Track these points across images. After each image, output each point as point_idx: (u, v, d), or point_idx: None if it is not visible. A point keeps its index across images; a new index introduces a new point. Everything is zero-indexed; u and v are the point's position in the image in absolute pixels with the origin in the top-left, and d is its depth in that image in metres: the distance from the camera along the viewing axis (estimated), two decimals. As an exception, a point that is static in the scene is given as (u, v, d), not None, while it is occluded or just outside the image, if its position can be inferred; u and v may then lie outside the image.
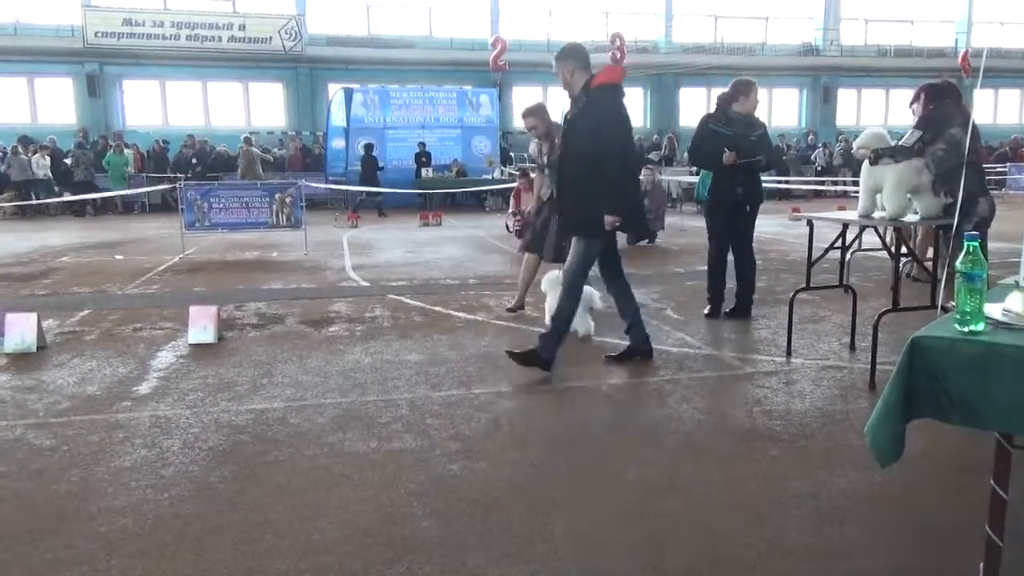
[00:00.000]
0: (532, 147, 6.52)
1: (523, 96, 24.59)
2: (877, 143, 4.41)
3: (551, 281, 5.43)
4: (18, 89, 21.59)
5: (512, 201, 11.44)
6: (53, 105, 21.64)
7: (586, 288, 5.22)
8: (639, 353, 4.84)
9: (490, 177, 19.26)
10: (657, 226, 11.43)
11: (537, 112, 6.02)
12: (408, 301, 6.94)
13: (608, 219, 4.40)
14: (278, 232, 10.88)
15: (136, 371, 4.72)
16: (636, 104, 25.59)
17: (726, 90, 5.98)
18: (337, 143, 19.91)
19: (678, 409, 3.96)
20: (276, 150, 21.16)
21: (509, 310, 6.38)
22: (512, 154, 21.72)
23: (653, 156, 20.06)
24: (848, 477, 3.11)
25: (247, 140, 17.55)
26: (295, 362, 4.90)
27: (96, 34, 20.36)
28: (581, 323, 5.40)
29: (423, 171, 18.83)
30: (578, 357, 4.99)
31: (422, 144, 19.12)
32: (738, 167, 5.72)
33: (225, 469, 3.25)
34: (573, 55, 4.52)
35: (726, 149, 5.69)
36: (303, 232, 10.55)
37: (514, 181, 12.82)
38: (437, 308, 6.59)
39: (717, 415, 3.91)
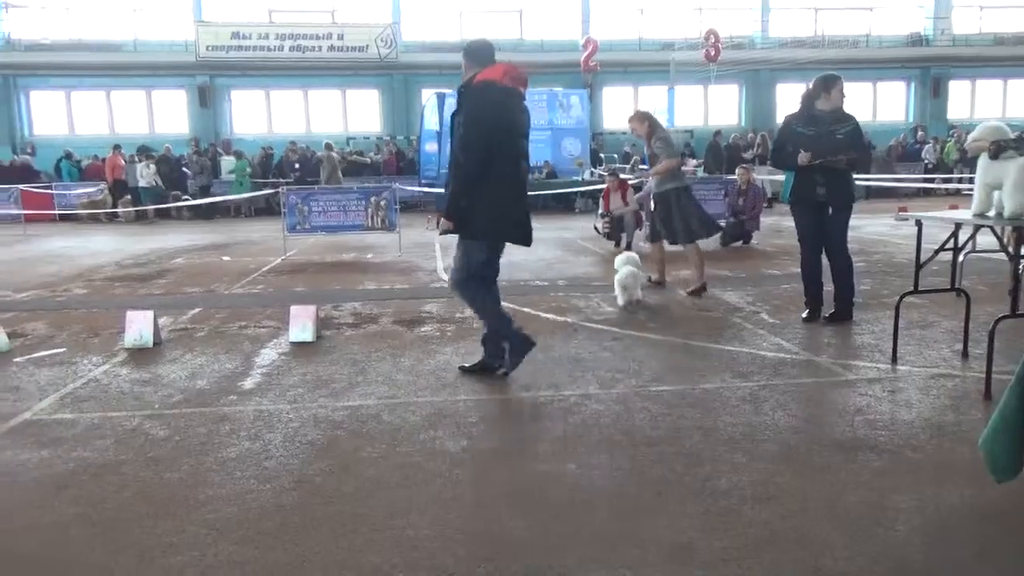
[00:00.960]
0: (646, 148, 7.53)
1: (614, 96, 24.43)
2: (995, 136, 4.14)
3: (622, 259, 6.70)
4: (137, 102, 23.12)
5: (602, 202, 11.37)
6: (168, 116, 23.07)
7: (630, 270, 6.44)
8: (489, 368, 4.58)
9: (579, 179, 19.21)
10: (752, 227, 11.11)
11: (634, 117, 7.13)
12: (498, 302, 7.00)
13: (442, 220, 4.31)
14: (373, 234, 11.21)
15: (241, 367, 4.97)
16: (731, 101, 24.96)
17: (809, 87, 5.78)
18: (430, 147, 20.30)
19: (773, 416, 3.84)
20: (372, 154, 21.79)
21: (655, 281, 7.45)
22: (602, 155, 21.59)
23: (748, 155, 19.50)
24: (959, 492, 2.93)
25: (328, 146, 18.16)
26: (389, 361, 5.04)
27: (207, 48, 21.56)
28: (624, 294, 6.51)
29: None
30: (668, 361, 4.92)
31: (512, 146, 19.26)
32: (818, 167, 5.52)
33: (323, 463, 3.37)
34: (466, 51, 4.41)
35: (801, 150, 5.51)
36: (397, 234, 10.83)
37: (603, 183, 12.74)
38: (526, 309, 6.62)
39: (815, 423, 3.76)
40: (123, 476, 3.28)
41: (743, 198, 11.09)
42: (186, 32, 21.97)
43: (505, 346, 4.50)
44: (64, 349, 5.50)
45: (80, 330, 6.12)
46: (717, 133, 20.90)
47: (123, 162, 18.46)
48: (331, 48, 21.97)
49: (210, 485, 3.15)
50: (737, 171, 11.73)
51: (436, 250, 11.23)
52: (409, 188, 16.53)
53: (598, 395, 4.24)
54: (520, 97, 4.36)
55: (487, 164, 4.16)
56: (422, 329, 5.99)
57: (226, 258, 10.72)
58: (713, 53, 20.71)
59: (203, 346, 5.54)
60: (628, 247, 10.74)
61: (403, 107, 23.42)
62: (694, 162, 20.68)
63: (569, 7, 23.87)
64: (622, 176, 12.25)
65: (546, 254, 10.57)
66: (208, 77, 22.50)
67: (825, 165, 5.52)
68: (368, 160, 21.12)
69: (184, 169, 19.31)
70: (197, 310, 6.92)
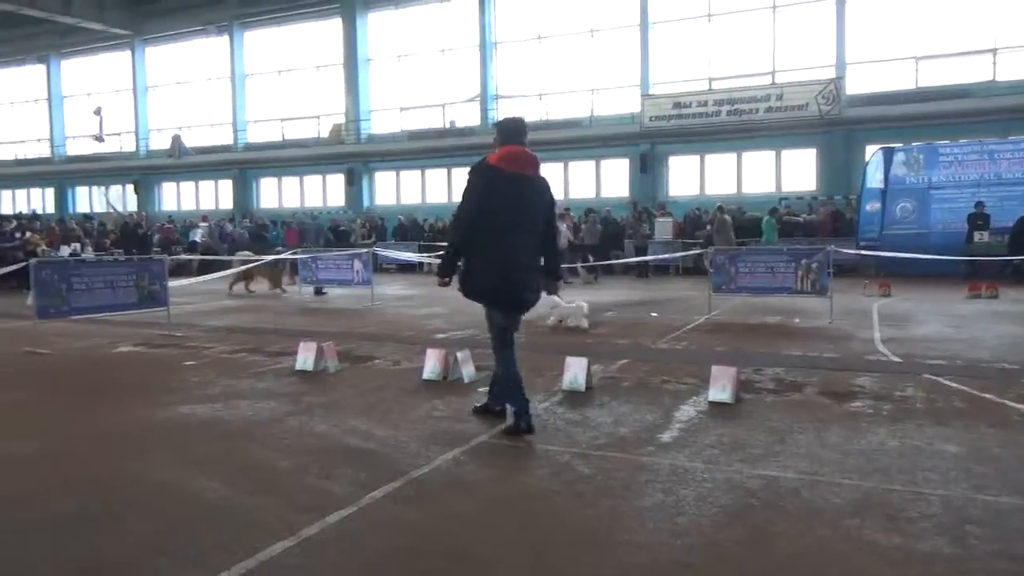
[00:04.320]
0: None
1: None
2: None
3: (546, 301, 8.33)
4: (587, 171, 25.98)
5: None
6: (613, 181, 25.47)
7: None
8: (492, 411, 5.14)
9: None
10: None
11: None
12: (947, 383, 6.08)
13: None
14: (802, 298, 10.69)
15: (661, 420, 5.14)
16: None
17: None
18: (872, 206, 18.73)
19: None
20: (805, 214, 20.96)
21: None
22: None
23: None
24: None
25: (720, 208, 18.08)
26: (811, 433, 4.72)
27: (650, 118, 23.35)
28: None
29: (976, 235, 16.39)
30: None
31: (980, 204, 16.66)
32: None
33: (734, 529, 3.29)
34: (496, 125, 4.91)
35: None
36: (829, 299, 10.17)
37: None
38: (986, 395, 5.62)
39: None
40: (554, 504, 3.64)
41: None
42: (632, 105, 24.06)
43: (507, 407, 4.93)
44: (515, 384, 6.34)
45: (527, 369, 6.99)
46: None
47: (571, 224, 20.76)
48: (768, 109, 21.90)
49: (624, 529, 3.31)
50: None
51: (874, 318, 10.24)
52: (845, 250, 15.41)
53: (1087, 514, 3.38)
54: (518, 180, 4.71)
55: (470, 235, 4.73)
56: (852, 404, 5.50)
57: (653, 314, 11.26)
58: None
59: (628, 395, 5.89)
60: None
61: (843, 164, 22.06)
62: None
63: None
64: None
65: (1017, 331, 8.86)
66: (650, 145, 24.23)
67: None
68: (801, 219, 20.35)
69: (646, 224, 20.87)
70: (625, 361, 7.38)
